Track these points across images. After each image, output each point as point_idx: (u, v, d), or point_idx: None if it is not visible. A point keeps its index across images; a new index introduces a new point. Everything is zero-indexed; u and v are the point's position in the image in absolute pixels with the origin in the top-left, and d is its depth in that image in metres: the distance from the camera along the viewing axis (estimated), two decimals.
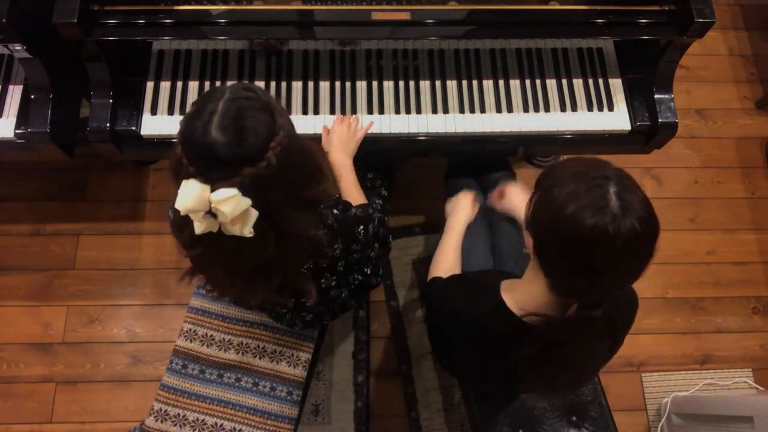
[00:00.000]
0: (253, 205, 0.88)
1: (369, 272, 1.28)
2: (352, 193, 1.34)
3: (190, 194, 0.85)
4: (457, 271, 1.36)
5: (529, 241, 0.97)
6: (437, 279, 1.29)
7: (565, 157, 2.14)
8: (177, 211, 0.90)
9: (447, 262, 1.37)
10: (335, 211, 1.13)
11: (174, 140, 1.47)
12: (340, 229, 1.12)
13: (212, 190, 0.86)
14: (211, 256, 0.99)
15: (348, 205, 1.18)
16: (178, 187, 0.88)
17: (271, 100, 0.95)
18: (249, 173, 0.86)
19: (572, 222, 0.85)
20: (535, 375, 1.06)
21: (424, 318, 1.23)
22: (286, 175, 0.92)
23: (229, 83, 1.52)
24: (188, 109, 1.47)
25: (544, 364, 1.03)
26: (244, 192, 0.86)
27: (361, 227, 1.17)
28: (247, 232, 0.89)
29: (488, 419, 1.41)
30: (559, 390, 1.18)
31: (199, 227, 0.89)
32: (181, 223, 0.94)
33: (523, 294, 1.05)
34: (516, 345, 1.03)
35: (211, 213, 0.87)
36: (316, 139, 1.44)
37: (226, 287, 1.10)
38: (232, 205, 0.85)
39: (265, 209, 0.90)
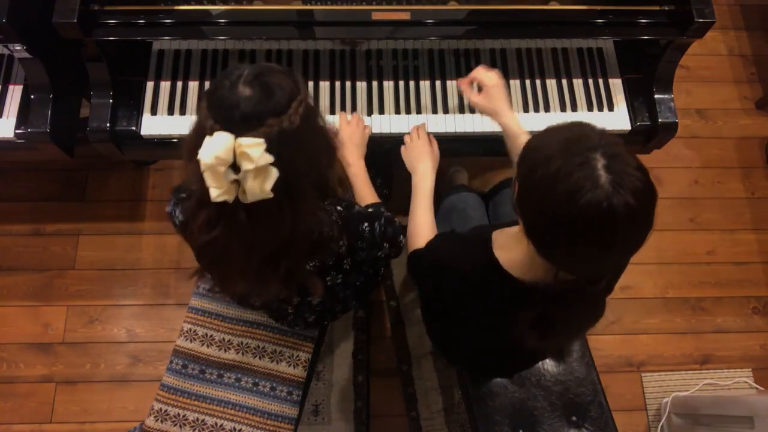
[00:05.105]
0: (274, 164, 0.89)
1: (371, 272, 1.27)
2: (367, 192, 1.35)
3: (216, 142, 0.86)
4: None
5: (520, 222, 0.93)
6: (419, 250, 1.23)
7: None
8: (192, 201, 0.93)
9: (425, 230, 1.29)
10: (339, 207, 1.14)
11: (174, 140, 1.50)
12: (344, 226, 1.13)
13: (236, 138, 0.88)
14: (225, 240, 0.99)
15: (351, 202, 1.18)
16: (197, 159, 0.88)
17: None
18: (274, 123, 0.89)
19: (564, 203, 0.80)
20: (529, 338, 1.04)
21: (422, 312, 1.21)
22: (306, 139, 0.94)
23: None
24: (188, 108, 1.49)
25: (542, 329, 1.01)
26: (269, 146, 0.88)
27: (366, 224, 1.17)
28: (268, 187, 0.89)
29: (487, 419, 1.41)
30: (551, 349, 1.16)
31: (216, 191, 0.89)
32: (197, 208, 0.96)
33: (515, 254, 1.02)
34: (510, 304, 1.01)
35: (233, 168, 0.88)
36: None
37: (236, 281, 1.10)
38: (258, 152, 0.86)
39: (285, 174, 0.91)
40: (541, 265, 0.96)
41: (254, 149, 0.86)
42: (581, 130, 0.86)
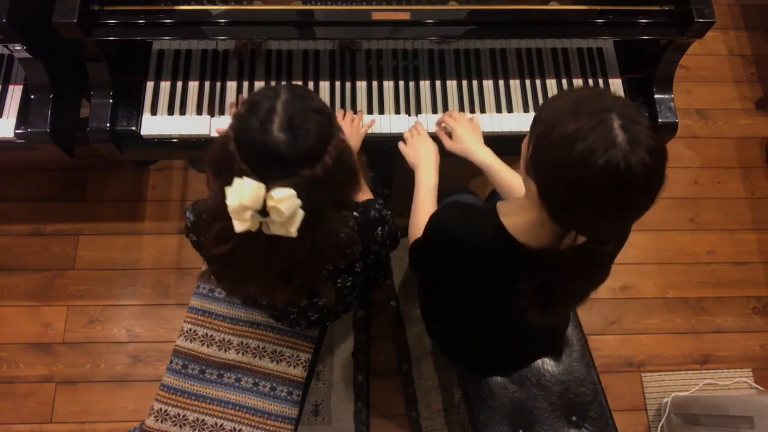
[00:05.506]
0: (301, 206, 0.88)
1: (372, 273, 1.27)
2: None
3: (246, 191, 0.84)
4: None
5: (531, 186, 0.92)
6: (420, 237, 1.22)
7: None
8: (208, 208, 0.90)
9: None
10: (355, 213, 1.13)
11: (174, 140, 1.50)
12: (361, 231, 1.12)
13: (267, 189, 0.85)
14: (240, 256, 0.97)
15: (366, 207, 1.17)
16: (219, 183, 0.88)
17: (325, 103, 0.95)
18: (307, 174, 0.86)
19: (581, 163, 0.80)
20: (531, 310, 1.04)
21: (422, 312, 1.21)
22: (335, 177, 0.92)
23: (229, 83, 1.54)
24: (188, 108, 1.49)
25: (544, 298, 1.01)
26: (299, 193, 0.86)
27: (380, 228, 1.17)
28: (294, 231, 0.88)
29: (487, 419, 1.41)
30: (551, 323, 1.15)
31: (240, 226, 0.87)
32: (212, 219, 0.95)
33: (521, 220, 1.02)
34: (514, 272, 1.01)
35: (261, 212, 0.86)
36: None
37: (245, 288, 1.09)
38: (289, 204, 0.85)
39: (310, 210, 0.89)
40: (547, 229, 0.96)
41: (285, 202, 0.84)
42: (594, 91, 0.87)
